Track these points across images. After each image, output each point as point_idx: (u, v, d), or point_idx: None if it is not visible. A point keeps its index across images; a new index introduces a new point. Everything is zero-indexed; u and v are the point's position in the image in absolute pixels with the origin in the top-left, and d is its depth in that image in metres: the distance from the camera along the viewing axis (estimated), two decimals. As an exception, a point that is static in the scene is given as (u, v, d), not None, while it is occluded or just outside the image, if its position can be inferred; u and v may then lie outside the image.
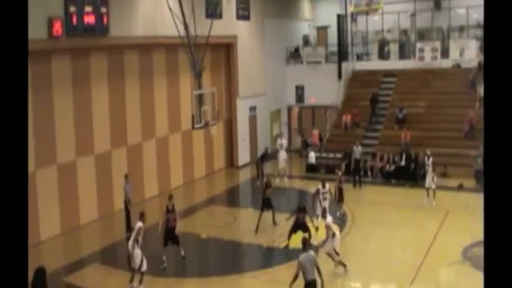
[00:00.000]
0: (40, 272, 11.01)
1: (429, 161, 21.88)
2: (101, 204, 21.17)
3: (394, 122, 28.98)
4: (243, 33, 29.28)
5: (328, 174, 24.55)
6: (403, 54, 33.04)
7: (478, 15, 30.45)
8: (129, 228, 19.68)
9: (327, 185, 18.37)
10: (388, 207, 22.21)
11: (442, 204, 21.48)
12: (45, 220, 18.67)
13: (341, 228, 19.17)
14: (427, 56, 31.19)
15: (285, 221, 17.92)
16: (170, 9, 19.52)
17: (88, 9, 18.52)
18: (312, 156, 28.13)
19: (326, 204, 18.04)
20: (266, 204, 19.20)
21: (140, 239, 14.42)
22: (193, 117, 18.82)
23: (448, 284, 15.26)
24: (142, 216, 14.73)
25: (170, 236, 16.05)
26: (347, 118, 30.06)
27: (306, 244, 12.37)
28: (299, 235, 15.99)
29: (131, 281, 14.56)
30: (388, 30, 34.43)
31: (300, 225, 17.03)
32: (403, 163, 25.52)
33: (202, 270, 16.50)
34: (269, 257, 17.51)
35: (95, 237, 19.72)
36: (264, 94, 31.43)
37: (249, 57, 29.95)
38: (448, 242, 17.42)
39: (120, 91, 22.16)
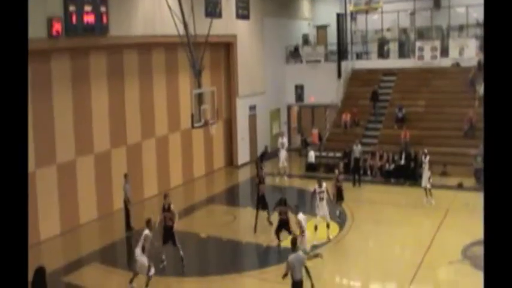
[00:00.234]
0: (40, 271, 11.03)
1: (426, 159, 21.86)
2: (100, 203, 21.17)
3: (393, 121, 28.97)
4: (243, 33, 29.27)
5: (328, 173, 24.55)
6: (402, 53, 33.03)
7: (477, 14, 30.44)
8: (128, 227, 19.71)
9: (324, 185, 18.28)
10: (387, 206, 22.22)
11: (442, 203, 21.50)
12: (45, 220, 18.68)
13: (340, 227, 19.22)
14: (427, 55, 31.17)
15: (267, 221, 18.04)
16: (170, 8, 19.51)
17: (87, 8, 18.51)
18: (312, 155, 28.14)
19: (323, 203, 17.97)
20: (261, 202, 19.13)
21: (147, 246, 14.35)
22: (192, 116, 18.81)
23: (448, 283, 15.25)
24: (148, 223, 14.63)
25: (168, 235, 16.03)
26: (346, 117, 30.06)
27: (295, 244, 12.35)
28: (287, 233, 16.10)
29: (131, 281, 14.54)
30: (388, 29, 34.41)
31: (283, 222, 17.01)
32: (402, 162, 25.52)
33: (202, 270, 16.50)
34: (268, 256, 17.51)
35: (94, 236, 19.73)
36: (263, 93, 31.42)
37: (249, 57, 29.94)
38: (448, 241, 17.43)
39: (119, 90, 22.16)
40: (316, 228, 17.76)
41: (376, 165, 26.20)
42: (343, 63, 32.58)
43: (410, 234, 18.56)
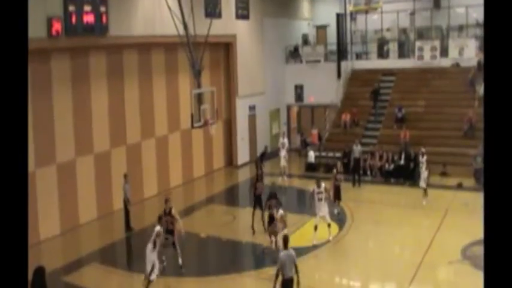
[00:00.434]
0: (39, 271, 10.99)
1: (423, 159, 21.84)
2: (100, 203, 21.18)
3: (393, 121, 28.97)
4: (242, 33, 29.27)
5: (327, 173, 24.51)
6: (402, 53, 33.00)
7: (477, 14, 30.45)
8: (128, 227, 19.71)
9: (322, 185, 18.17)
10: (387, 206, 22.23)
11: (442, 203, 21.51)
12: (45, 219, 18.69)
13: (340, 227, 19.22)
14: (426, 55, 31.16)
15: (262, 221, 18.15)
16: (169, 8, 19.51)
17: (87, 8, 18.52)
18: (311, 155, 28.15)
19: (322, 204, 17.94)
20: (258, 202, 19.06)
21: (158, 242, 14.20)
22: (192, 116, 18.80)
23: (447, 283, 15.27)
24: (160, 220, 14.64)
25: (170, 236, 15.99)
26: (346, 117, 30.06)
27: (287, 242, 12.33)
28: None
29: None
30: (388, 29, 34.39)
31: (273, 218, 17.01)
32: (402, 162, 25.53)
33: (201, 270, 16.49)
34: (268, 256, 17.49)
35: (94, 236, 19.73)
36: (263, 93, 31.43)
37: (249, 57, 29.94)
38: (448, 241, 17.43)
39: (119, 90, 22.16)
40: (316, 228, 17.76)
41: (375, 166, 26.19)
42: (343, 63, 32.58)
43: (410, 234, 18.57)
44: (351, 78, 33.19)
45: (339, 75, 32.17)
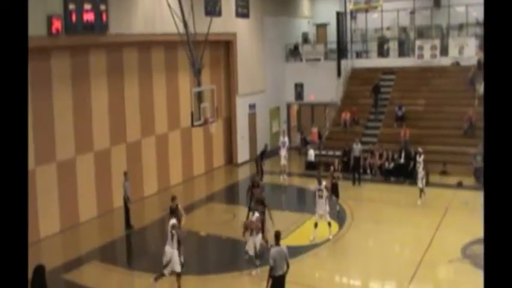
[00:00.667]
0: (39, 269, 10.98)
1: (420, 158, 21.82)
2: (100, 201, 21.18)
3: (393, 120, 28.97)
4: (242, 31, 29.27)
5: (327, 172, 24.50)
6: (402, 52, 33.00)
7: (477, 13, 30.45)
8: (128, 225, 19.71)
9: (323, 183, 18.25)
10: (387, 204, 22.23)
11: (442, 202, 21.53)
12: (45, 217, 18.69)
13: (340, 226, 19.23)
14: (426, 54, 31.18)
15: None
16: (169, 6, 19.50)
17: (87, 6, 18.50)
18: (311, 153, 28.16)
19: (322, 201, 17.97)
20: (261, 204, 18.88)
21: (175, 235, 14.11)
22: (192, 114, 18.81)
23: (447, 282, 15.27)
24: (173, 212, 14.57)
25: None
26: (346, 115, 30.05)
27: (278, 238, 12.31)
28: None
29: (178, 283, 14.21)
30: (388, 28, 34.37)
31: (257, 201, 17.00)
32: (402, 161, 25.54)
33: (201, 268, 16.50)
34: (268, 254, 17.48)
35: (94, 234, 19.74)
36: (263, 91, 31.43)
37: (249, 55, 29.94)
38: (448, 239, 17.44)
39: (119, 88, 22.16)
40: (316, 225, 17.79)
41: (375, 164, 26.20)
42: (343, 62, 32.59)
43: (410, 233, 18.58)
44: (351, 76, 33.19)
45: (339, 73, 32.17)
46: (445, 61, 30.84)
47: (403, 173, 25.06)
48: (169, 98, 24.96)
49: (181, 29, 19.49)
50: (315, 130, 32.00)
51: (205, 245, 18.72)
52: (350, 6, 33.53)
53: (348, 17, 34.14)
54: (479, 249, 14.85)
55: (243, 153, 29.97)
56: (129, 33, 21.03)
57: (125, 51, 22.39)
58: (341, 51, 32.61)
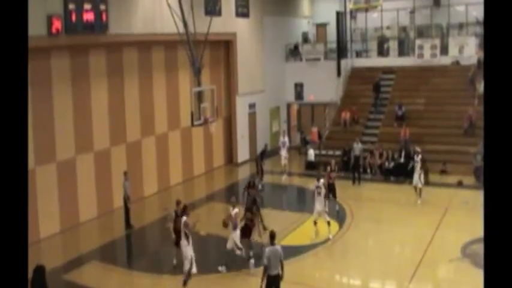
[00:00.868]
0: (39, 269, 11.01)
1: (418, 158, 21.78)
2: (100, 201, 21.18)
3: (393, 119, 28.97)
4: (242, 31, 29.26)
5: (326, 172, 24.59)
6: (402, 51, 33.00)
7: (477, 12, 30.44)
8: (128, 225, 19.71)
9: (321, 180, 18.35)
10: (387, 204, 22.23)
11: (442, 201, 21.53)
12: (45, 217, 18.68)
13: (340, 225, 19.23)
14: (426, 53, 31.19)
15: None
16: (169, 6, 19.51)
17: (87, 6, 18.49)
18: (311, 153, 28.15)
19: (320, 199, 18.02)
20: (253, 204, 18.84)
21: (189, 233, 14.09)
22: (192, 114, 18.82)
23: (447, 281, 15.28)
24: (185, 210, 14.57)
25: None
26: (346, 115, 30.05)
27: (273, 238, 12.31)
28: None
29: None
30: (388, 27, 34.36)
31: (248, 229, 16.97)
32: (402, 160, 25.52)
33: (201, 268, 16.45)
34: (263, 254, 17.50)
35: (94, 234, 19.73)
36: (263, 91, 31.43)
37: (248, 55, 29.94)
38: (448, 239, 17.45)
39: (119, 88, 22.16)
40: (315, 223, 17.82)
41: (375, 164, 26.20)
42: (343, 62, 32.59)
43: (410, 232, 18.57)
44: (351, 76, 33.19)
45: (338, 73, 32.17)
46: (445, 60, 30.84)
47: (403, 173, 24.99)
48: (169, 98, 24.95)
49: (181, 29, 19.50)
50: (315, 130, 31.99)
51: (205, 244, 18.68)
52: (350, 6, 33.55)
53: (348, 16, 34.14)
54: (479, 248, 14.85)
55: (243, 152, 29.97)
56: (129, 33, 21.02)
57: (125, 51, 22.38)
58: (341, 51, 32.60)
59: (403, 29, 33.89)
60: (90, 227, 20.33)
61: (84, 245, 18.60)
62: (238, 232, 15.60)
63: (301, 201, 23.90)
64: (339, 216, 20.08)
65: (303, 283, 14.56)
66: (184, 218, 14.28)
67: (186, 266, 14.08)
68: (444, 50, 31.15)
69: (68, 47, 19.25)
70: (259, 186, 22.69)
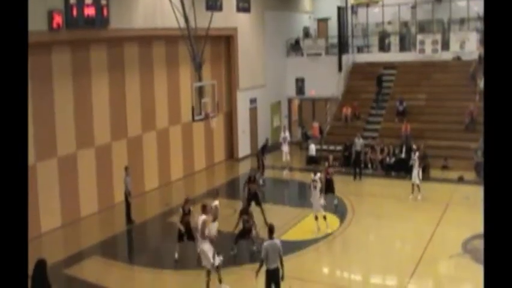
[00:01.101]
0: (41, 264, 11.00)
1: (415, 156, 21.75)
2: (101, 196, 21.19)
3: (394, 114, 28.96)
4: (243, 25, 29.22)
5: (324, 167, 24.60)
6: (403, 47, 32.93)
7: (478, 7, 30.36)
8: (129, 220, 19.73)
9: (318, 174, 18.40)
10: (388, 199, 22.23)
11: (443, 196, 21.53)
12: (46, 212, 18.70)
13: (341, 221, 19.24)
14: (428, 49, 31.11)
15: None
16: (170, 1, 19.46)
17: (88, 1, 18.47)
18: (313, 148, 28.13)
19: (316, 192, 18.07)
20: (254, 199, 18.85)
21: (206, 231, 13.96)
22: (193, 109, 18.81)
23: (448, 277, 15.29)
24: (204, 209, 14.32)
25: (186, 234, 15.94)
26: (347, 110, 30.03)
27: (272, 232, 12.28)
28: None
29: (207, 284, 13.92)
30: (389, 23, 34.32)
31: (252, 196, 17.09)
32: (403, 155, 25.49)
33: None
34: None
35: (95, 229, 19.77)
36: (264, 86, 31.41)
37: (249, 49, 29.90)
38: (448, 234, 17.46)
39: (120, 83, 22.14)
40: (316, 218, 17.85)
41: (376, 159, 26.19)
42: (344, 57, 32.53)
43: (411, 228, 18.58)
44: (352, 71, 33.17)
45: (340, 68, 32.12)
46: (446, 56, 30.80)
47: (404, 168, 24.90)
48: (170, 93, 24.94)
49: (182, 24, 19.47)
50: (316, 125, 31.99)
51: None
52: (351, 1, 33.60)
53: (349, 11, 34.07)
54: (480, 244, 14.84)
55: (244, 147, 29.97)
56: (130, 27, 21.00)
57: (126, 46, 22.35)
58: (342, 46, 32.53)
59: (405, 24, 33.83)
60: (91, 221, 20.35)
61: (85, 239, 18.62)
62: (216, 224, 15.04)
63: (302, 197, 23.87)
64: (337, 211, 20.10)
65: (304, 278, 14.57)
66: (203, 217, 14.07)
67: (213, 263, 13.78)
68: (445, 46, 31.08)
69: (68, 42, 19.23)
70: (260, 181, 22.75)
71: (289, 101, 34.57)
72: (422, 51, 31.28)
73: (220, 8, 25.78)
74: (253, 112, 30.77)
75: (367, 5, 33.99)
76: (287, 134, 27.63)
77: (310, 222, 18.20)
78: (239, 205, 21.80)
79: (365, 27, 34.80)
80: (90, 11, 18.57)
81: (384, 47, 33.59)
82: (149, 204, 22.61)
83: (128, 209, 19.70)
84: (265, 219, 18.22)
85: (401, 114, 28.50)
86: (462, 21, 32.39)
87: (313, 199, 18.13)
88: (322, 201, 18.18)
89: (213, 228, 15.31)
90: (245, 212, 16.70)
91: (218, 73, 28.24)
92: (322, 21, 37.65)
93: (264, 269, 12.13)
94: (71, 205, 19.87)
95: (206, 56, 20.99)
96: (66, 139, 19.63)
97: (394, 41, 33.41)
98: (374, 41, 34.19)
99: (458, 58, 30.42)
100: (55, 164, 19.28)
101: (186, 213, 15.98)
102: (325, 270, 16.40)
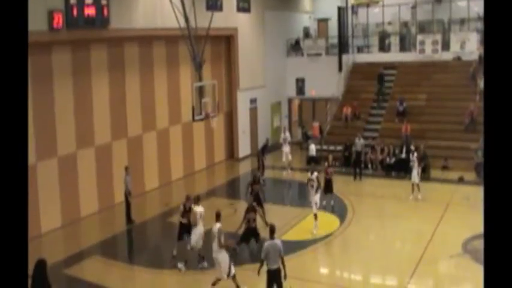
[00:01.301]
0: (41, 264, 10.99)
1: (414, 157, 21.74)
2: (101, 196, 21.19)
3: (394, 115, 28.96)
4: (244, 26, 29.22)
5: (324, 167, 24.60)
6: (403, 47, 32.93)
7: (478, 8, 30.34)
8: (129, 220, 19.72)
9: (315, 174, 18.44)
10: (388, 199, 22.25)
11: (443, 197, 21.53)
12: (46, 212, 18.71)
13: (341, 221, 19.24)
14: (428, 49, 31.12)
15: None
16: (170, 1, 19.46)
17: (88, 1, 18.47)
18: (313, 148, 28.09)
19: (313, 191, 18.10)
20: (255, 200, 18.84)
21: (222, 239, 13.78)
22: (193, 109, 18.83)
23: (448, 277, 15.28)
24: (218, 217, 14.10)
25: (183, 232, 15.94)
26: (347, 110, 30.02)
27: (273, 232, 12.26)
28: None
29: (214, 284, 13.83)
30: (389, 23, 34.31)
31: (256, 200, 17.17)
32: (403, 156, 25.49)
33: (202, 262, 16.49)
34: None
35: (95, 229, 19.77)
36: (264, 86, 31.42)
37: (250, 50, 29.91)
38: (448, 234, 17.46)
39: (120, 83, 22.14)
40: (315, 216, 17.88)
41: (376, 159, 26.19)
42: (344, 57, 32.52)
43: (411, 228, 18.58)
44: (352, 71, 33.17)
45: (340, 68, 32.12)
46: (447, 56, 30.81)
47: (404, 168, 24.93)
48: (171, 93, 24.95)
49: (183, 24, 19.47)
50: (316, 125, 31.98)
51: (206, 239, 18.66)
52: (351, 1, 33.59)
53: (349, 11, 34.06)
54: (480, 244, 14.81)
55: (244, 147, 29.98)
56: (130, 27, 21.00)
57: (126, 46, 22.36)
58: (342, 46, 32.52)
59: (405, 25, 33.82)
60: (91, 221, 20.35)
61: (85, 239, 18.62)
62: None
63: (302, 197, 23.84)
64: (335, 211, 20.10)
65: (304, 278, 14.56)
66: (218, 225, 13.88)
67: (225, 271, 13.64)
68: (446, 46, 31.09)
69: (69, 41, 19.23)
70: (261, 181, 22.71)
71: (290, 101, 34.58)
72: (422, 51, 31.29)
73: (220, 8, 25.80)
74: (253, 112, 30.78)
75: (368, 5, 33.99)
76: (287, 134, 27.60)
77: (311, 222, 18.20)
78: (239, 205, 21.91)
79: (365, 28, 34.79)
80: (90, 11, 18.58)
81: (384, 47, 33.59)
82: (149, 204, 22.61)
83: (128, 208, 19.70)
84: (265, 220, 18.20)
85: (401, 115, 28.49)
86: (462, 22, 32.39)
87: (311, 197, 18.17)
88: (317, 199, 18.18)
89: (196, 235, 15.26)
90: (251, 210, 16.69)
91: (218, 73, 28.24)
92: (323, 22, 37.67)
93: (265, 269, 12.13)
94: (71, 205, 19.87)
95: (206, 56, 21.00)
96: (66, 139, 19.64)
97: (394, 41, 33.41)
98: (374, 41, 34.18)
99: (459, 58, 30.42)
100: (55, 163, 19.28)
101: (187, 211, 15.97)
102: (325, 270, 16.42)
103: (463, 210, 19.98)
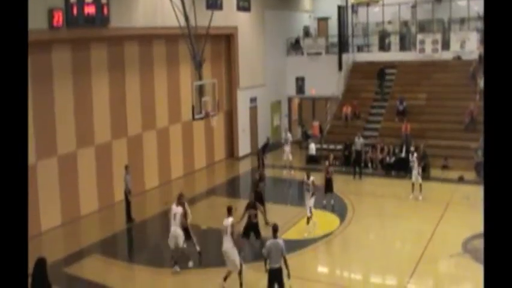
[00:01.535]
0: (40, 262, 11.00)
1: (413, 157, 21.73)
2: (101, 195, 21.20)
3: (394, 114, 28.96)
4: (244, 24, 29.22)
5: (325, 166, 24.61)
6: (403, 46, 32.91)
7: (478, 7, 30.32)
8: (129, 219, 19.73)
9: (311, 178, 18.34)
10: (388, 199, 22.25)
11: (443, 196, 21.53)
12: (46, 211, 18.71)
13: (341, 220, 19.25)
14: (428, 48, 31.11)
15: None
16: (170, 0, 19.47)
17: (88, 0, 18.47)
18: (313, 147, 28.14)
19: (308, 195, 18.13)
20: (258, 198, 18.87)
21: (235, 234, 13.76)
22: (193, 108, 18.83)
23: (448, 276, 15.29)
24: (230, 212, 14.00)
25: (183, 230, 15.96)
26: (347, 109, 30.02)
27: (276, 231, 12.27)
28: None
29: (225, 279, 13.86)
30: (389, 22, 34.29)
31: (256, 199, 17.14)
32: (403, 155, 25.50)
33: (202, 261, 16.48)
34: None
35: (95, 228, 19.77)
36: (264, 85, 31.41)
37: (250, 48, 29.90)
38: (448, 234, 17.46)
39: (120, 82, 22.14)
40: (308, 221, 17.90)
41: (376, 158, 26.20)
42: (344, 56, 32.52)
43: (411, 227, 18.58)
44: (352, 70, 33.16)
45: (340, 67, 32.12)
46: (447, 55, 30.79)
47: (404, 167, 24.94)
48: (170, 92, 24.94)
49: (183, 23, 19.48)
50: (316, 124, 31.99)
51: (206, 238, 18.70)
52: (351, 0, 33.51)
53: (349, 10, 34.04)
54: (480, 243, 14.83)
55: (244, 146, 29.98)
56: (130, 26, 20.99)
57: (126, 45, 22.35)
58: (342, 45, 32.53)
59: (405, 24, 33.81)
60: (91, 220, 20.35)
61: (85, 238, 18.63)
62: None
63: (302, 196, 23.85)
64: (335, 210, 20.10)
65: (304, 277, 14.56)
66: (230, 219, 13.81)
67: (236, 269, 13.69)
68: (446, 45, 31.08)
69: (69, 40, 19.22)
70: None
71: (290, 100, 34.58)
72: (422, 50, 31.28)
73: (220, 7, 25.77)
74: (253, 111, 30.78)
75: (368, 4, 33.95)
76: (289, 135, 27.49)
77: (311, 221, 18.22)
78: (239, 204, 21.88)
79: (365, 27, 34.79)
80: (90, 10, 18.56)
81: (384, 46, 33.58)
82: (149, 202, 22.62)
83: (128, 207, 19.71)
84: (266, 218, 18.23)
85: (401, 114, 28.49)
86: (462, 21, 32.37)
87: (306, 200, 18.21)
88: (311, 204, 18.14)
89: (170, 238, 15.23)
90: (251, 206, 16.71)
91: (218, 72, 28.23)
92: (323, 21, 37.65)
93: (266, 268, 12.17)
94: (71, 204, 19.87)
95: (206, 55, 21.00)
96: (66, 138, 19.64)
97: (394, 40, 33.40)
98: (374, 40, 34.17)
99: (459, 58, 30.41)
100: (55, 162, 19.29)
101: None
102: (325, 269, 16.42)
103: (463, 209, 19.99)
